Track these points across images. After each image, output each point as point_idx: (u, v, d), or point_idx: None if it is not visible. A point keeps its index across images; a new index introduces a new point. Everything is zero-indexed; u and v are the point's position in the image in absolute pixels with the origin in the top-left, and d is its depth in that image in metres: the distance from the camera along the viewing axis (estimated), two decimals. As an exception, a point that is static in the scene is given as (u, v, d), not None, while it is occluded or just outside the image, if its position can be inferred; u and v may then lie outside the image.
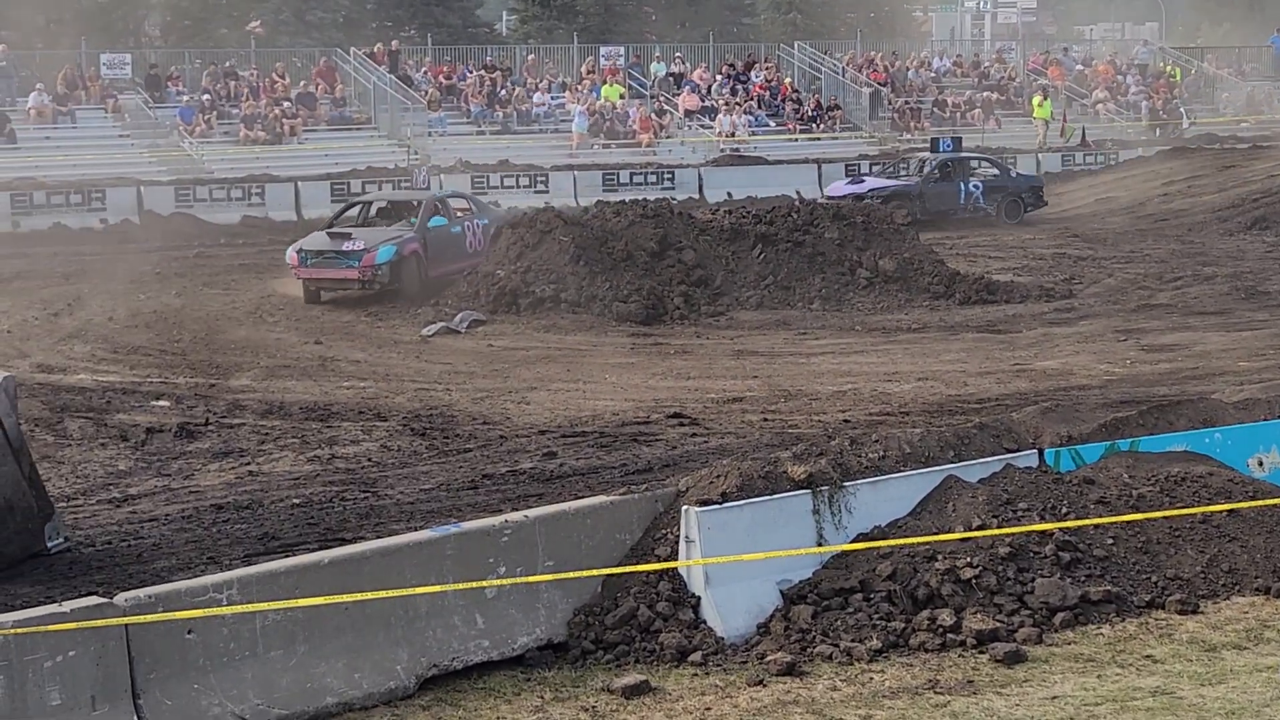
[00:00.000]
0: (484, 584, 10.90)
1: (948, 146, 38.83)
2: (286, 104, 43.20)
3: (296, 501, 14.94)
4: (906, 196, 35.95)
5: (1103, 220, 36.93)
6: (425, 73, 47.39)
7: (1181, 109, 52.76)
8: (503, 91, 46.37)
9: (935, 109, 51.24)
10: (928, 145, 40.71)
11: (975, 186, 37.40)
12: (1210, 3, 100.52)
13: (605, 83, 47.77)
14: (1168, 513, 12.80)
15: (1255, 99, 54.54)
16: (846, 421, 17.79)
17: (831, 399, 19.32)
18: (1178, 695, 10.38)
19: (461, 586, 10.79)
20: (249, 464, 16.67)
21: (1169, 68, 59.21)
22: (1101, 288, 27.89)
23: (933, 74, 54.54)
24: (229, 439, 17.75)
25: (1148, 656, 11.13)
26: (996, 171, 38.44)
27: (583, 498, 13.02)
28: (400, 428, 18.18)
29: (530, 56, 50.90)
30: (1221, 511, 13.02)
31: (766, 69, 51.43)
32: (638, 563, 11.68)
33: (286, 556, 11.68)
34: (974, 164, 38.54)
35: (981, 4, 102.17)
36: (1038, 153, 46.70)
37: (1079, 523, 12.51)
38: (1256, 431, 14.70)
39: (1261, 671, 10.64)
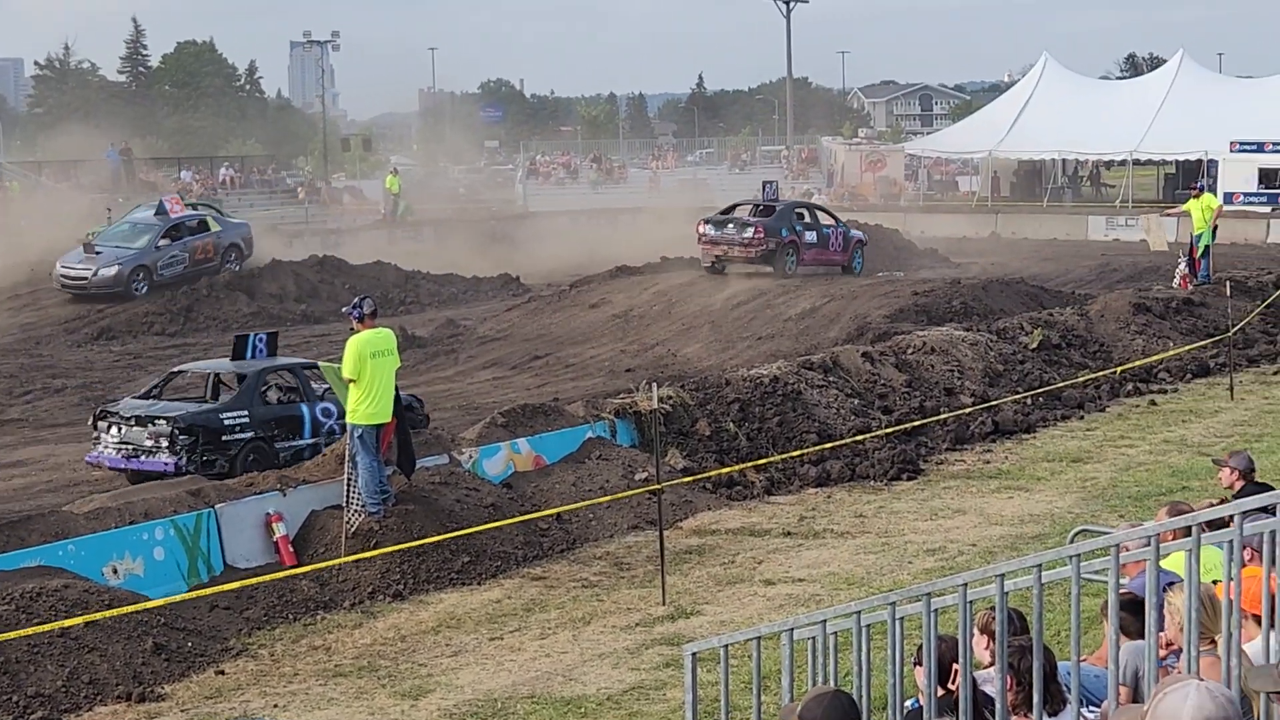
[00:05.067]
0: None
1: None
2: None
3: None
4: None
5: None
6: None
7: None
8: None
9: None
10: None
11: None
12: (48, 117, 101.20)
13: None
14: (25, 631, 12.64)
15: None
16: None
17: None
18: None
19: None
20: None
21: (11, 183, 58.69)
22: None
23: None
24: None
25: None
26: None
27: None
28: None
29: None
30: (79, 624, 13.06)
31: None
32: None
33: None
34: None
35: None
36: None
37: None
38: (109, 540, 14.91)
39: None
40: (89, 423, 20.59)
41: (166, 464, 19.10)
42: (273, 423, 20.14)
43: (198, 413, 19.80)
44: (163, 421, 19.42)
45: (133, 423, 19.66)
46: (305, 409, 20.48)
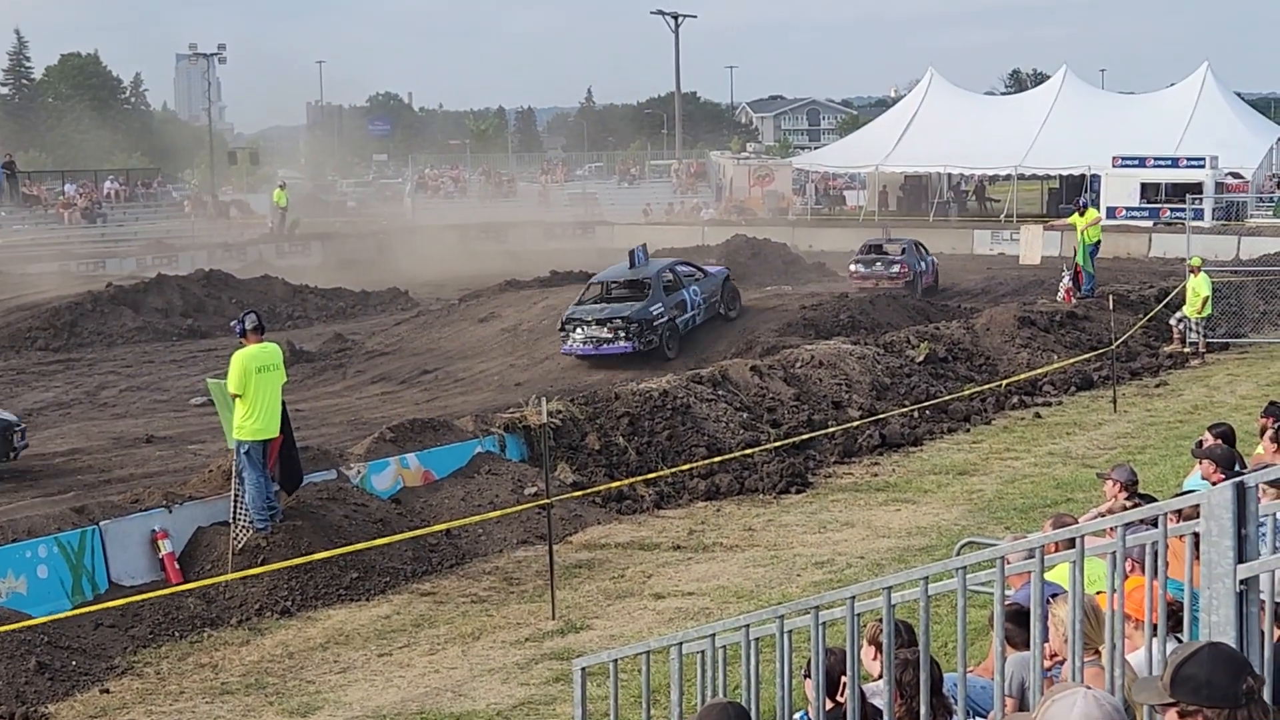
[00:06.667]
0: None
1: None
2: None
3: None
4: None
5: None
6: None
7: None
8: None
9: None
10: None
11: None
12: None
13: None
14: (-98, 652, 12.40)
15: None
16: None
17: None
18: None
19: None
20: None
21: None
22: None
23: None
24: None
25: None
26: None
27: None
28: None
29: None
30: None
31: None
32: None
33: None
34: None
35: None
36: None
37: None
38: (-10, 558, 14.66)
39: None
40: (558, 327, 30.38)
41: (625, 346, 29.75)
42: (674, 306, 30.86)
43: (637, 309, 30.23)
44: (619, 320, 29.90)
45: (592, 323, 29.94)
46: (686, 293, 31.47)
